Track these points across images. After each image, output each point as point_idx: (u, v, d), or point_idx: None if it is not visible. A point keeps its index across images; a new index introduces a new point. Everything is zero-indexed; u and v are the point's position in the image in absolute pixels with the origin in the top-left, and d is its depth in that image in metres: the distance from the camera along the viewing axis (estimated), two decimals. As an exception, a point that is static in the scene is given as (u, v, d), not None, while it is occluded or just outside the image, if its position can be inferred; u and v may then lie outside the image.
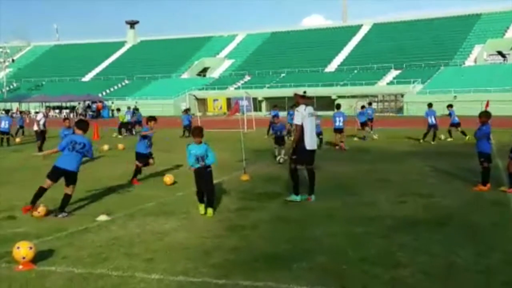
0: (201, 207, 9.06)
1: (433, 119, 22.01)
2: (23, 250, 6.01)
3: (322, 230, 7.73)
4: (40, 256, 6.38)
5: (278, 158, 15.99)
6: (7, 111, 30.79)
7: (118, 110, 33.57)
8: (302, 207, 9.38)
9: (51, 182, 8.98)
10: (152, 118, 13.35)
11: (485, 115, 11.30)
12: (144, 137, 12.91)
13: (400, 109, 56.34)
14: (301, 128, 9.68)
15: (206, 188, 9.07)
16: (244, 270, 5.97)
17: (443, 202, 9.58)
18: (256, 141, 22.85)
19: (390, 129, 30.71)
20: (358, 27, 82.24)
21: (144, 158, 12.70)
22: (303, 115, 9.69)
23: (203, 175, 9.03)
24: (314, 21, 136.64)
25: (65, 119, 17.68)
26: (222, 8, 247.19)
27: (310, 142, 9.80)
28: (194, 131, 9.25)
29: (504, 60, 64.86)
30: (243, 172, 13.01)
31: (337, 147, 19.95)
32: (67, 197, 9.00)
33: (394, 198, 10.00)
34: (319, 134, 19.01)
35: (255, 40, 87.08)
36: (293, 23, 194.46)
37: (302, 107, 9.81)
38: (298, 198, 9.88)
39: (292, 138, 11.30)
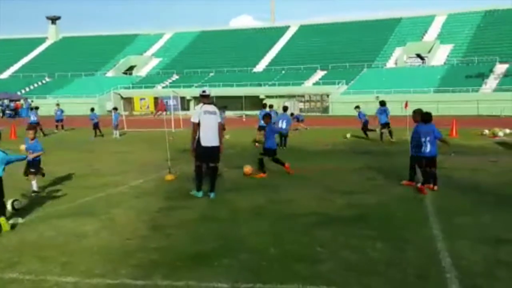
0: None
1: (384, 117, 21.97)
2: None
3: (247, 228, 7.72)
4: None
5: None
6: None
7: (36, 108, 31.87)
8: (229, 206, 9.35)
9: None
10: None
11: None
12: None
13: (326, 109, 57.79)
14: (196, 126, 10.04)
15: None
16: (165, 270, 5.85)
17: (364, 199, 9.84)
18: (184, 140, 22.57)
19: (316, 128, 31.31)
20: (286, 28, 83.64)
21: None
22: (198, 113, 10.06)
23: None
24: (244, 21, 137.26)
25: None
26: (148, 6, 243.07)
27: (206, 139, 10.02)
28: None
29: (423, 62, 68.18)
30: (168, 171, 12.80)
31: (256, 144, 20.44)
32: None
33: (317, 195, 10.18)
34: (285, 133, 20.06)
35: (183, 39, 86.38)
36: (222, 22, 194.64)
37: (199, 106, 10.23)
38: (199, 194, 10.16)
39: None
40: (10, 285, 5.38)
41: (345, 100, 55.00)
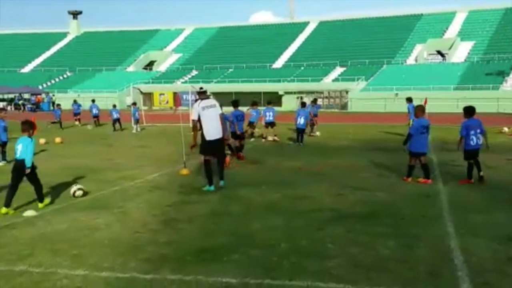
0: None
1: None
2: None
3: (259, 224, 7.71)
4: (-44, 254, 6.04)
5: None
6: None
7: (58, 105, 32.33)
8: (242, 201, 9.34)
9: None
10: None
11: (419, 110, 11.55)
12: None
13: (345, 106, 57.43)
14: (196, 123, 10.25)
15: None
16: (174, 264, 5.87)
17: (377, 196, 9.76)
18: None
19: (334, 124, 31.10)
20: (305, 24, 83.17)
21: None
22: (197, 110, 10.23)
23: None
24: (263, 17, 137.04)
25: (1, 109, 16.69)
26: (170, 1, 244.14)
27: (210, 133, 10.22)
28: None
29: (443, 59, 67.29)
30: (183, 166, 12.84)
31: (264, 140, 20.90)
32: None
33: (332, 192, 10.12)
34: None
35: (203, 35, 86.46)
36: (242, 18, 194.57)
37: (197, 103, 10.40)
38: (212, 188, 10.28)
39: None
40: (20, 278, 5.43)
41: (364, 96, 54.58)
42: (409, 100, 22.98)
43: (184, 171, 12.45)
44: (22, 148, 8.72)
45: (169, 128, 27.18)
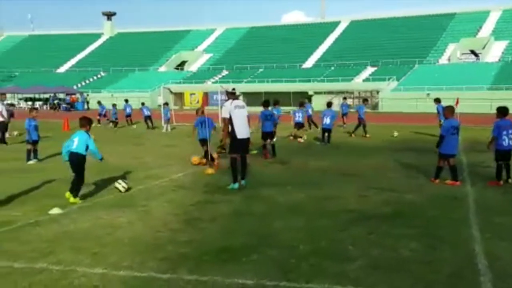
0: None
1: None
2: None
3: (281, 224, 7.66)
4: (-20, 250, 6.18)
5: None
6: None
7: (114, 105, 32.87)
8: (266, 201, 9.31)
9: None
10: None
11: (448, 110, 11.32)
12: None
13: (376, 106, 56.76)
14: (229, 121, 10.54)
15: None
16: (192, 264, 5.86)
17: (404, 197, 9.58)
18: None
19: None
20: (336, 23, 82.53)
21: None
22: (229, 109, 10.54)
23: None
24: (294, 17, 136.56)
25: (32, 109, 17.12)
26: (201, 1, 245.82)
27: (241, 132, 10.53)
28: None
29: (477, 59, 65.79)
30: (208, 165, 12.87)
31: (291, 137, 21.21)
32: None
33: (358, 192, 9.99)
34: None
35: (234, 35, 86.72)
36: (273, 18, 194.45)
37: (228, 102, 10.72)
38: (236, 186, 10.51)
39: None
40: (39, 275, 5.51)
41: (395, 96, 53.82)
42: (437, 100, 22.65)
43: (209, 171, 12.49)
44: (78, 142, 9.37)
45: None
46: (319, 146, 19.14)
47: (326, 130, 19.78)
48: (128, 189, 10.16)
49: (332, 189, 10.33)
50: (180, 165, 13.89)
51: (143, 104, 31.32)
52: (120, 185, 10.20)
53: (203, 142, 13.67)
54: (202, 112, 14.30)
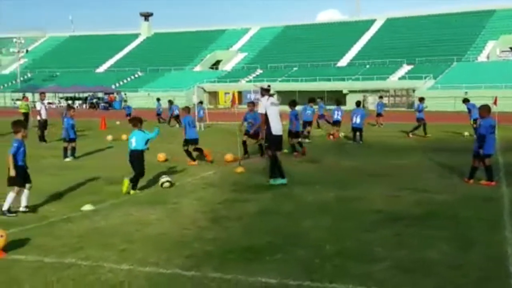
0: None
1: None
2: (-6, 238, 5.99)
3: (308, 223, 7.64)
4: (14, 245, 6.36)
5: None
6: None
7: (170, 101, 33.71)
8: (294, 200, 9.29)
9: None
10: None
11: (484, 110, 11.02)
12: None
13: (411, 104, 55.81)
14: (265, 116, 10.65)
15: None
16: (217, 262, 5.89)
17: (436, 197, 9.39)
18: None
19: (399, 124, 30.25)
20: (371, 21, 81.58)
21: None
22: (265, 105, 10.66)
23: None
24: (329, 15, 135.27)
25: (69, 107, 17.43)
26: (236, 1, 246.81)
27: (276, 128, 10.68)
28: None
29: (517, 56, 63.99)
30: (238, 164, 12.92)
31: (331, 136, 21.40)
32: None
33: (388, 193, 9.85)
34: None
35: (268, 34, 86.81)
36: (307, 17, 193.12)
37: (265, 98, 10.83)
38: (284, 180, 10.62)
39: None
40: (68, 270, 5.64)
41: (432, 95, 52.69)
42: (466, 100, 22.26)
43: (239, 169, 12.53)
44: (135, 141, 10.19)
45: (230, 127, 27.46)
46: (352, 145, 18.98)
47: (357, 129, 19.67)
48: (172, 185, 10.50)
49: (362, 189, 10.22)
50: (210, 164, 13.98)
51: (171, 102, 32.35)
52: (165, 180, 10.56)
53: (193, 142, 13.94)
54: (189, 111, 14.66)
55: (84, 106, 68.11)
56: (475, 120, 20.12)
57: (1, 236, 6.03)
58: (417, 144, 19.04)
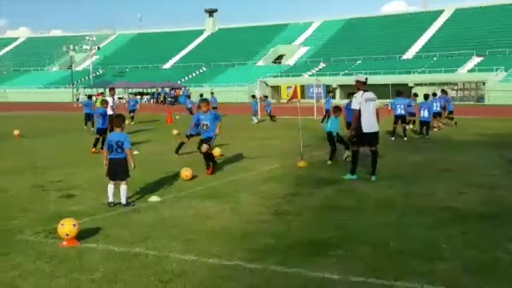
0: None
1: None
2: (66, 227, 6.30)
3: (370, 219, 7.54)
4: (85, 234, 6.68)
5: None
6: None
7: (188, 96, 34.97)
8: (356, 195, 9.20)
9: None
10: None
11: None
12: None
13: (481, 98, 53.63)
14: (358, 113, 10.23)
15: None
16: (279, 256, 5.93)
17: (505, 196, 9.02)
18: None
19: (468, 118, 29.10)
20: (439, 12, 78.79)
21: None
22: (359, 101, 10.25)
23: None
24: (395, 7, 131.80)
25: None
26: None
27: (367, 125, 10.27)
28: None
29: None
30: (300, 158, 12.90)
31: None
32: None
33: (454, 189, 9.55)
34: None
35: (331, 27, 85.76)
36: (372, 9, 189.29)
37: (359, 93, 10.35)
38: (354, 177, 10.55)
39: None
40: (135, 259, 5.86)
41: (504, 88, 50.47)
42: None
43: (301, 164, 12.50)
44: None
45: (292, 121, 27.42)
46: (418, 140, 18.50)
47: (424, 123, 19.12)
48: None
49: (427, 186, 9.96)
50: (271, 157, 14.06)
51: (212, 93, 34.68)
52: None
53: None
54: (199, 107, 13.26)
55: (151, 101, 70.22)
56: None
57: (74, 225, 6.35)
58: (483, 140, 18.28)
